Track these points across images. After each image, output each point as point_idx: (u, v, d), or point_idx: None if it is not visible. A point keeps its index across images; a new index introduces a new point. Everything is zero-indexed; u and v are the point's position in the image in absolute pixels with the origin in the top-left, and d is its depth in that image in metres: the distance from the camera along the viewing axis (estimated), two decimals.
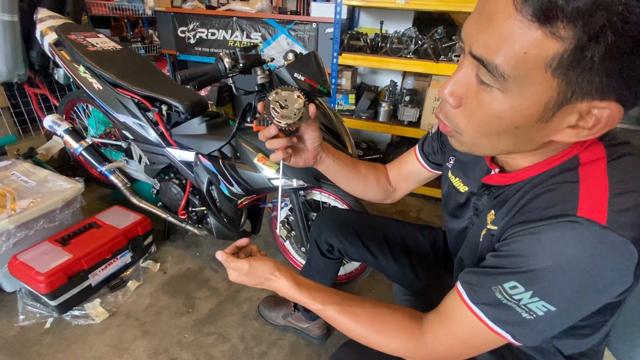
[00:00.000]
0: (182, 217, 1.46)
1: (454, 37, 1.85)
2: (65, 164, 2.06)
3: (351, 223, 0.89)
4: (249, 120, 1.16)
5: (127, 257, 1.45)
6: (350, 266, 1.42)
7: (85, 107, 1.83)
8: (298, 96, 0.54)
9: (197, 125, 1.28)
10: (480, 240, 0.54)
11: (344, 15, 1.99)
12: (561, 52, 0.32)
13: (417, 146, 0.77)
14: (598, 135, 0.37)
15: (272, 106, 0.54)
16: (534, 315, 0.40)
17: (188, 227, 1.47)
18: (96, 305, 1.30)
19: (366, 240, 0.87)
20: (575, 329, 0.50)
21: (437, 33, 1.87)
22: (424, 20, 2.20)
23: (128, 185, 1.51)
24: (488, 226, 0.52)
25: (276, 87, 0.56)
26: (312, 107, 0.56)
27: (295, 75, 1.00)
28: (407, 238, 0.88)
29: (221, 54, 0.97)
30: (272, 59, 1.09)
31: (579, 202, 0.38)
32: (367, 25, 2.36)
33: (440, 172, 0.75)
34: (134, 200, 1.49)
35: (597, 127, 0.37)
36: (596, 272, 0.36)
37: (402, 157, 0.80)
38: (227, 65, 0.96)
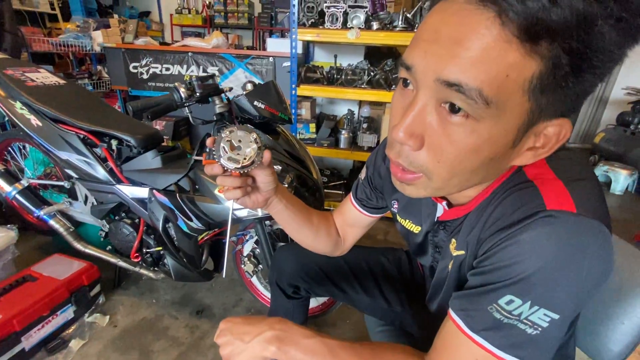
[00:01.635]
0: (136, 260, 1.33)
1: None
2: None
3: (313, 259, 0.84)
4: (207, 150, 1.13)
5: (69, 312, 1.27)
6: (322, 298, 1.37)
7: (21, 147, 1.68)
8: (255, 140, 0.51)
9: (151, 159, 1.21)
10: (449, 271, 0.53)
11: (300, 50, 2.08)
12: (538, 71, 0.31)
13: (351, 194, 0.75)
14: (553, 151, 0.37)
15: (222, 144, 0.50)
16: (539, 329, 0.38)
17: (142, 271, 1.34)
18: None
19: (332, 276, 0.83)
20: None
21: (387, 65, 2.01)
22: (374, 54, 2.36)
23: (71, 230, 1.36)
24: (454, 254, 0.52)
25: (232, 125, 0.53)
26: (267, 154, 0.53)
27: (256, 103, 1.01)
28: (373, 265, 0.85)
29: (176, 83, 0.95)
30: (231, 88, 1.09)
31: (544, 198, 0.38)
32: (322, 59, 2.49)
33: (381, 215, 0.74)
34: (79, 246, 1.34)
35: (549, 145, 0.37)
36: (584, 261, 0.36)
37: (343, 205, 0.78)
38: (183, 95, 0.94)
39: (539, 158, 0.39)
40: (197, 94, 0.97)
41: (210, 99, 1.03)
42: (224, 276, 0.83)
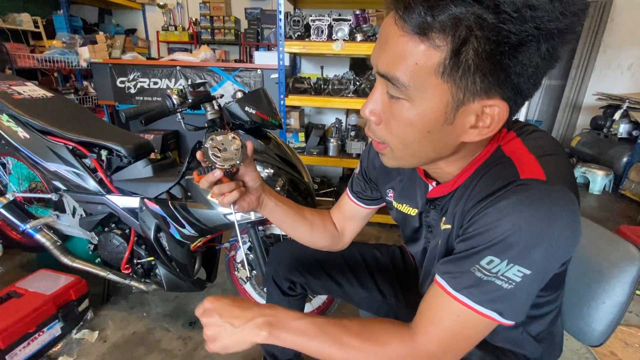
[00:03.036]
0: (126, 271, 1.31)
1: None
2: None
3: (310, 253, 0.86)
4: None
5: (56, 329, 1.23)
6: (317, 301, 1.37)
7: (4, 163, 1.64)
8: (233, 137, 0.57)
9: (142, 169, 1.21)
10: (439, 245, 0.57)
11: (287, 63, 2.13)
12: (442, 59, 0.38)
13: (347, 188, 0.79)
14: (496, 130, 0.43)
15: (211, 152, 0.55)
16: (513, 284, 0.42)
17: (133, 283, 1.31)
18: None
19: (329, 269, 0.85)
20: (534, 307, 0.55)
21: (372, 75, 2.08)
22: (359, 65, 2.44)
23: (59, 244, 1.33)
24: (442, 229, 0.55)
25: (212, 133, 0.58)
26: (249, 144, 0.59)
27: (247, 109, 1.03)
28: (368, 258, 0.87)
29: (168, 91, 0.96)
30: (222, 95, 1.11)
31: (518, 169, 0.44)
32: (308, 71, 2.55)
33: (377, 206, 0.77)
34: (66, 260, 1.31)
35: (493, 124, 0.42)
36: (554, 223, 0.40)
37: (340, 200, 0.81)
38: (175, 101, 0.96)
39: (485, 136, 0.44)
40: (189, 101, 0.99)
41: (202, 106, 1.04)
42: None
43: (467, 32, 0.35)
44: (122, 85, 2.48)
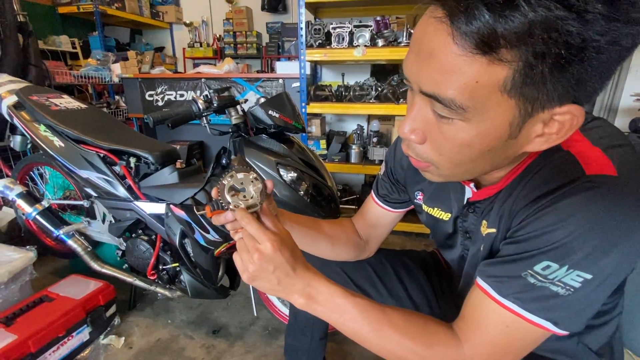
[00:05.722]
0: (152, 277, 1.31)
1: None
2: (14, 237, 1.84)
3: (335, 262, 0.82)
4: (224, 162, 1.14)
5: (84, 334, 1.24)
6: None
7: (42, 173, 1.72)
8: (255, 178, 0.51)
9: (168, 175, 1.23)
10: (481, 253, 0.52)
11: (307, 71, 2.15)
12: (511, 74, 0.32)
13: (372, 191, 0.76)
14: (568, 136, 0.38)
15: (227, 192, 0.50)
16: (571, 290, 0.37)
17: (158, 289, 1.32)
18: None
19: (356, 278, 0.81)
20: (594, 317, 0.47)
21: (394, 80, 2.05)
22: (380, 71, 2.42)
23: (89, 250, 1.36)
24: (484, 234, 0.51)
25: (230, 169, 0.53)
26: (269, 184, 0.53)
27: (270, 112, 1.02)
28: (397, 266, 0.83)
29: (194, 95, 0.98)
30: (246, 100, 1.11)
31: (582, 165, 0.38)
32: (329, 79, 2.55)
33: (406, 209, 0.74)
34: (95, 266, 1.34)
35: (563, 131, 0.37)
36: (631, 227, 0.35)
37: (364, 206, 0.79)
38: (200, 106, 0.96)
39: (553, 144, 0.38)
40: (215, 105, 1.00)
41: (226, 111, 1.05)
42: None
43: (545, 40, 0.29)
44: (151, 99, 2.57)
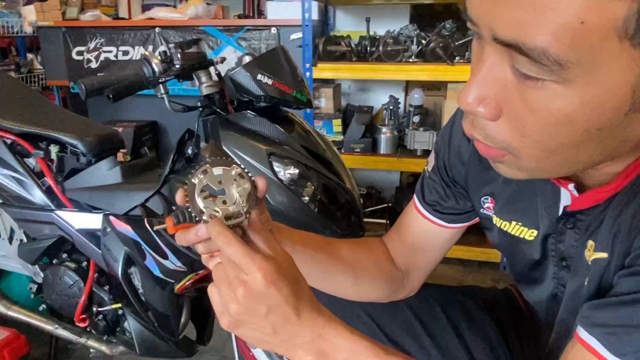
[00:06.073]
0: (82, 324, 1.33)
1: (469, 32, 2.02)
2: None
3: (359, 301, 0.83)
4: (190, 153, 1.15)
5: None
6: None
7: None
8: (239, 175, 0.51)
9: (106, 172, 1.25)
10: (585, 290, 0.53)
11: (314, 15, 2.15)
12: (636, 9, 0.32)
13: (415, 197, 0.76)
14: None
15: (199, 195, 0.50)
16: None
17: (91, 342, 1.34)
18: None
19: (389, 329, 0.81)
20: None
21: (446, 28, 2.05)
22: (425, 15, 2.42)
23: None
24: (590, 261, 0.51)
25: (202, 162, 0.52)
26: (260, 183, 0.53)
27: (259, 77, 1.03)
28: (452, 311, 0.83)
29: (146, 52, 0.99)
30: (224, 59, 1.12)
31: None
32: (347, 27, 2.56)
33: (466, 224, 0.74)
34: None
35: None
36: None
37: (402, 219, 0.79)
38: (155, 68, 0.98)
39: None
40: (176, 67, 1.01)
41: (193, 75, 1.06)
42: None
43: None
44: (80, 58, 2.61)
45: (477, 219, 0.72)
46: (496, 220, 0.66)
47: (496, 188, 0.64)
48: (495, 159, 0.46)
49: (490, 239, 0.69)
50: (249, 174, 0.53)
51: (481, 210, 0.68)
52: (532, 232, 0.60)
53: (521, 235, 0.62)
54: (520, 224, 0.62)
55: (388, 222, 2.23)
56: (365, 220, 2.21)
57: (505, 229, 0.64)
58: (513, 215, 0.63)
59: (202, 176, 0.51)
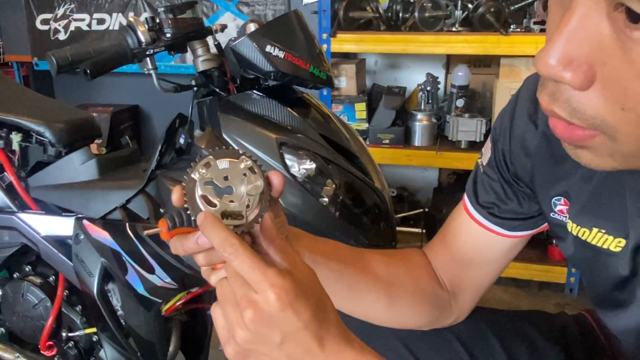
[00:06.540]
0: (48, 353, 1.36)
1: None
2: None
3: (395, 328, 0.84)
4: (181, 143, 1.16)
5: None
6: None
7: None
8: (249, 169, 0.52)
9: (80, 166, 1.27)
10: None
11: None
12: None
13: (465, 197, 0.77)
14: None
15: (200, 193, 0.50)
16: None
17: None
18: None
19: (427, 357, 0.82)
20: None
21: None
22: None
23: None
24: None
25: (204, 153, 0.54)
26: (275, 179, 0.54)
27: (268, 49, 1.03)
28: (511, 342, 0.83)
29: (131, 18, 1.00)
30: (225, 27, 1.13)
31: None
32: None
33: (531, 232, 0.75)
34: None
35: None
36: None
37: (448, 226, 0.81)
38: (142, 37, 0.98)
39: None
40: (167, 36, 1.01)
41: (188, 47, 1.07)
42: None
43: None
44: (45, 28, 2.64)
45: (545, 226, 0.72)
46: (571, 227, 0.65)
47: (572, 186, 0.64)
48: (581, 142, 0.44)
49: (563, 250, 0.69)
50: (262, 168, 0.53)
51: (552, 214, 0.67)
52: (619, 242, 0.60)
53: (604, 246, 0.61)
54: (603, 231, 0.61)
55: (424, 231, 2.23)
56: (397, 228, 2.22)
57: (583, 238, 0.64)
58: (594, 220, 0.62)
59: (203, 170, 0.51)
